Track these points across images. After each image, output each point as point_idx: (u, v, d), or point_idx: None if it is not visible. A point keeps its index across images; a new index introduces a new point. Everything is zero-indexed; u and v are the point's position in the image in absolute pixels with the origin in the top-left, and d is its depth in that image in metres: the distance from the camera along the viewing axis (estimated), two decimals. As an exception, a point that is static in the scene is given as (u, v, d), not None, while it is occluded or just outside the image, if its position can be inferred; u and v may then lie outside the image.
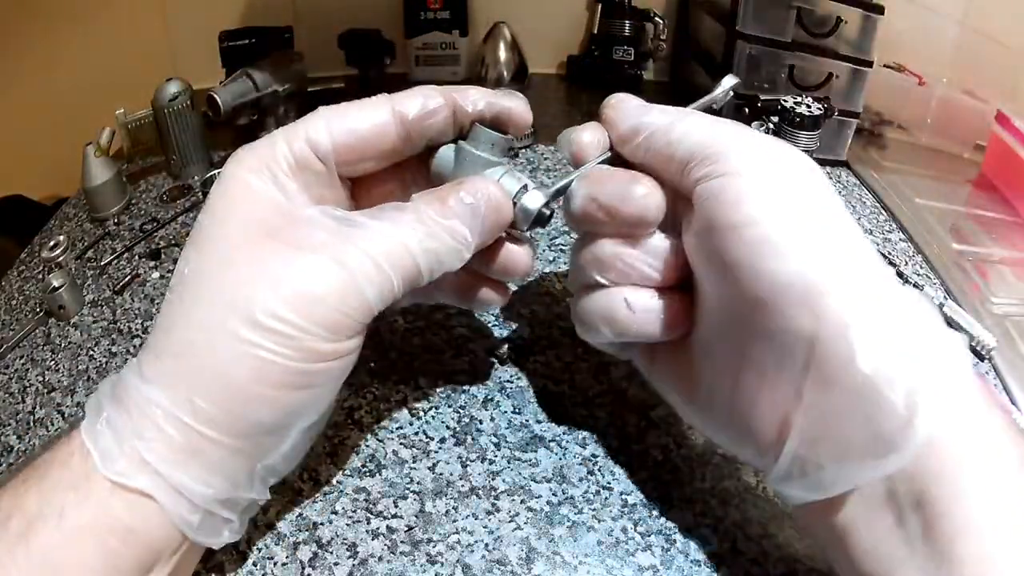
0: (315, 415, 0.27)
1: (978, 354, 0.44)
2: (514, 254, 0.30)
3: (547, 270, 0.48)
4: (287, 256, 0.24)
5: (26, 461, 0.24)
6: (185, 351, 0.24)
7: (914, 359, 0.22)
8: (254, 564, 0.30)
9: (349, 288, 0.24)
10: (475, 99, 0.29)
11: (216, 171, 0.51)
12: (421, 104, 0.28)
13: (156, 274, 0.49)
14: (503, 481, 0.33)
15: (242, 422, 0.24)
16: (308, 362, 0.24)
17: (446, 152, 0.29)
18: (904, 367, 0.22)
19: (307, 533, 0.31)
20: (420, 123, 0.28)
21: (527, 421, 0.37)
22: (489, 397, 0.38)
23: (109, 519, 0.22)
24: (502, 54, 0.77)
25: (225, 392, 0.23)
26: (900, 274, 0.50)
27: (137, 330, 0.44)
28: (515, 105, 0.30)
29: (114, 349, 0.42)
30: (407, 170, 0.31)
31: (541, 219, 0.29)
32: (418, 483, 0.33)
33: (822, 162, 0.63)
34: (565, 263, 0.49)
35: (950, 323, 0.46)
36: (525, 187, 0.29)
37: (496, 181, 0.29)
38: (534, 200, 0.29)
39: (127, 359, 0.41)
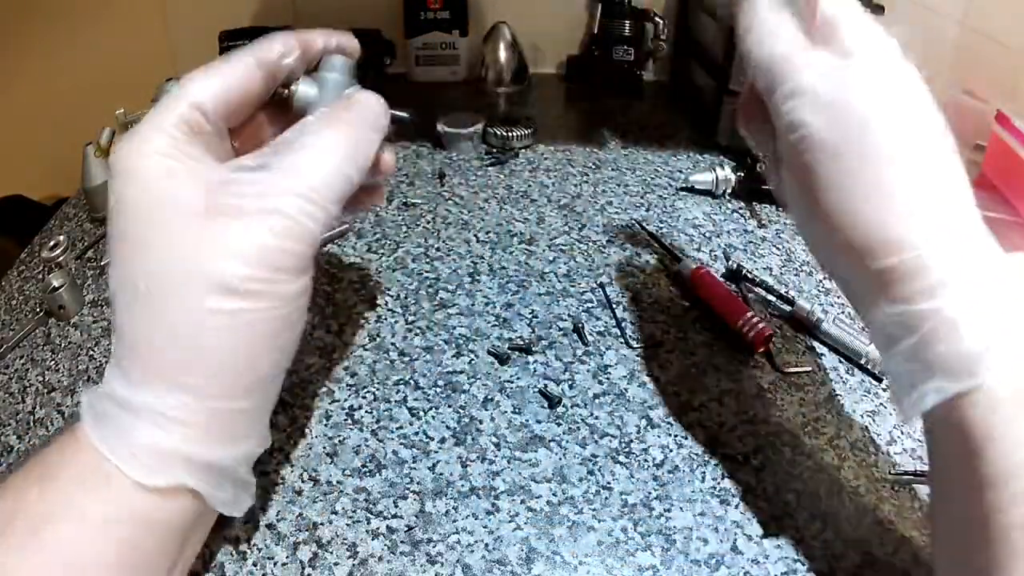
0: (297, 345, 0.28)
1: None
2: (385, 154, 0.32)
3: (547, 270, 0.48)
4: (234, 223, 0.25)
5: (20, 462, 0.24)
6: (174, 344, 0.24)
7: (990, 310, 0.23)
8: (254, 564, 0.30)
9: (296, 230, 0.25)
10: (318, 38, 0.32)
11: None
12: (281, 49, 0.30)
13: (156, 274, 0.49)
14: (503, 481, 0.33)
15: (248, 381, 0.26)
16: (285, 307, 0.26)
17: (307, 85, 0.32)
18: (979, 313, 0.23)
19: (307, 533, 0.31)
20: (280, 64, 0.30)
21: (527, 421, 0.37)
22: (489, 397, 0.38)
23: (136, 514, 0.24)
24: (502, 54, 0.77)
25: (226, 364, 0.25)
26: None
27: (137, 330, 0.44)
28: (347, 39, 0.34)
29: (114, 349, 0.42)
30: (262, 108, 0.32)
31: (403, 119, 0.33)
32: (418, 483, 0.33)
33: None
34: (565, 263, 0.49)
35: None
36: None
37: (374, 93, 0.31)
38: (401, 111, 0.33)
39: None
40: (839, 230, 0.25)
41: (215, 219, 0.25)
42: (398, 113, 0.32)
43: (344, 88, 0.32)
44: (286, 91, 0.31)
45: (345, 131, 0.28)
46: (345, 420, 0.36)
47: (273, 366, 0.27)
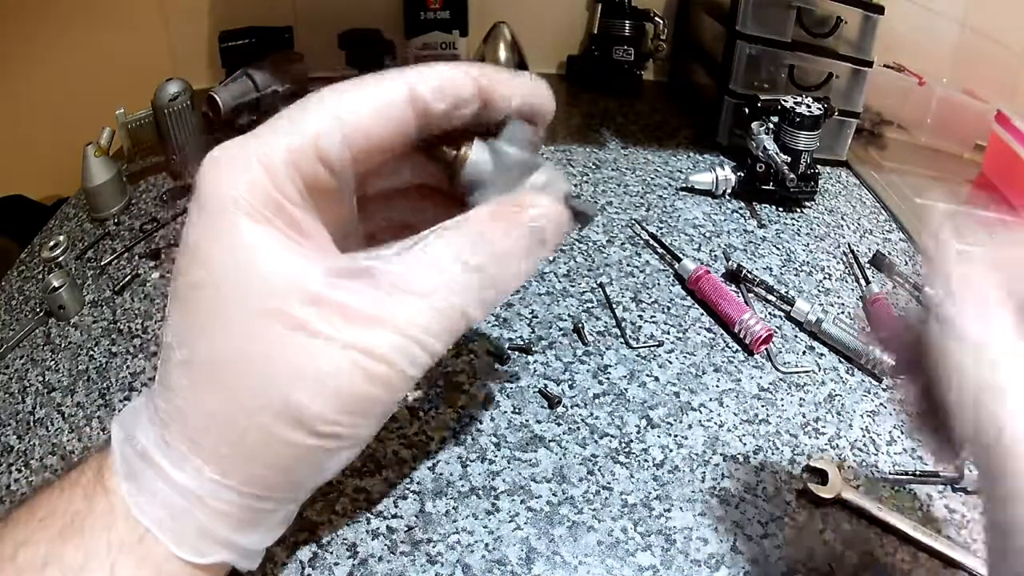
0: None
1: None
2: None
3: (547, 270, 0.48)
4: (326, 352, 0.21)
5: (46, 508, 0.23)
6: (230, 444, 0.22)
7: None
8: (254, 564, 0.30)
9: (394, 380, 0.22)
10: (512, 94, 0.24)
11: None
12: (452, 98, 0.23)
13: (156, 274, 0.49)
14: (503, 481, 0.33)
15: (300, 493, 0.25)
16: (359, 446, 0.24)
17: (481, 157, 0.24)
18: None
19: (307, 533, 0.31)
20: (446, 117, 0.23)
21: (527, 421, 0.37)
22: (489, 397, 0.38)
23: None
24: (502, 54, 0.77)
25: (282, 482, 0.23)
26: (900, 274, 0.50)
27: (137, 330, 0.44)
28: (547, 101, 0.26)
29: (114, 349, 0.42)
30: (407, 155, 0.25)
31: (585, 218, 0.26)
32: (418, 483, 0.33)
33: (822, 162, 0.63)
34: (565, 263, 0.49)
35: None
36: (576, 193, 0.26)
37: (559, 202, 0.24)
38: (587, 204, 0.26)
39: (127, 359, 0.41)
40: None
41: (306, 337, 0.21)
42: (580, 209, 0.25)
43: (525, 171, 0.24)
44: (453, 153, 0.24)
45: (491, 260, 0.22)
46: (345, 420, 0.36)
47: (326, 479, 0.24)
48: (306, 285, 0.21)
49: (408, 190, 0.28)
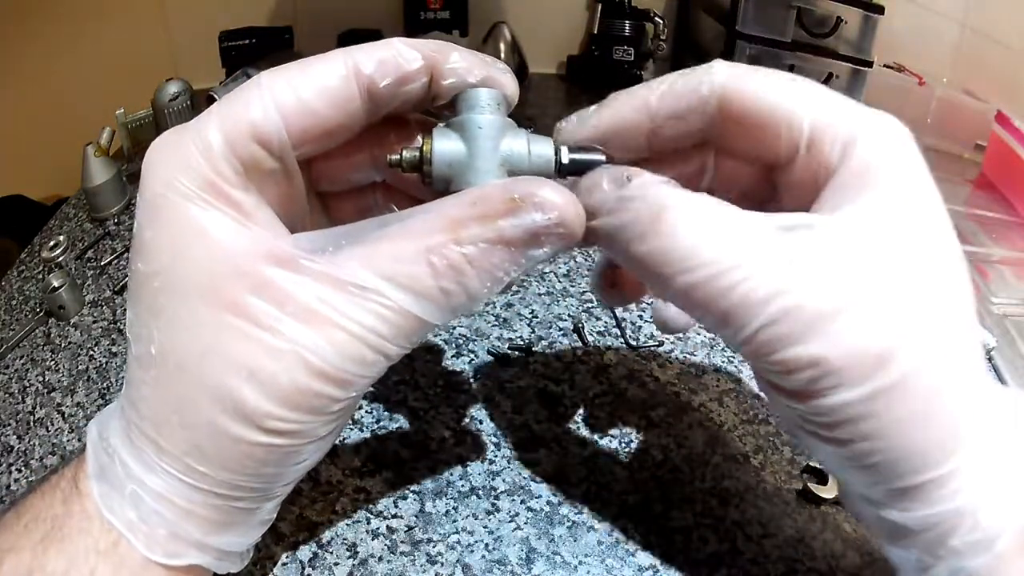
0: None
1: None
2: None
3: (547, 270, 0.48)
4: (268, 341, 0.20)
5: (30, 513, 0.23)
6: (186, 442, 0.21)
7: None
8: (254, 564, 0.30)
9: (347, 375, 0.21)
10: (459, 68, 0.23)
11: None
12: (396, 71, 0.22)
13: (156, 274, 0.49)
14: (503, 481, 0.33)
15: (272, 490, 0.24)
16: (321, 442, 0.23)
17: (447, 141, 0.22)
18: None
19: (307, 533, 0.31)
20: (392, 92, 0.22)
21: (527, 421, 0.37)
22: (489, 397, 0.38)
23: None
24: (502, 54, 0.77)
25: (242, 483, 0.22)
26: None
27: (137, 330, 0.44)
28: (508, 81, 0.24)
29: (114, 349, 0.42)
30: (371, 134, 0.24)
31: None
32: (418, 483, 0.33)
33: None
34: (566, 263, 0.49)
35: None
36: (557, 149, 0.24)
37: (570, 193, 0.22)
38: (590, 150, 0.24)
39: (127, 360, 0.41)
40: (853, 456, 0.21)
41: (249, 326, 0.20)
42: (585, 161, 0.24)
43: (507, 136, 0.22)
44: (415, 151, 0.22)
45: (461, 259, 0.20)
46: (345, 420, 0.36)
47: (298, 477, 0.24)
48: (249, 268, 0.20)
49: (378, 187, 0.27)
